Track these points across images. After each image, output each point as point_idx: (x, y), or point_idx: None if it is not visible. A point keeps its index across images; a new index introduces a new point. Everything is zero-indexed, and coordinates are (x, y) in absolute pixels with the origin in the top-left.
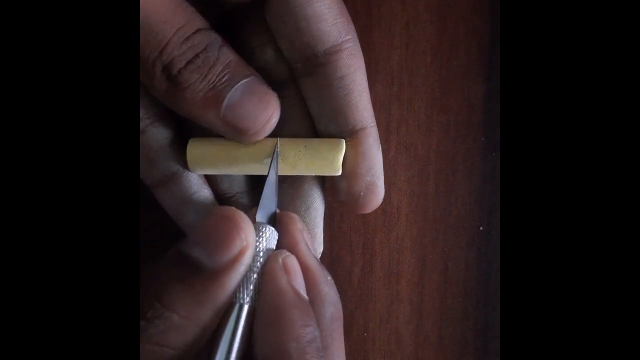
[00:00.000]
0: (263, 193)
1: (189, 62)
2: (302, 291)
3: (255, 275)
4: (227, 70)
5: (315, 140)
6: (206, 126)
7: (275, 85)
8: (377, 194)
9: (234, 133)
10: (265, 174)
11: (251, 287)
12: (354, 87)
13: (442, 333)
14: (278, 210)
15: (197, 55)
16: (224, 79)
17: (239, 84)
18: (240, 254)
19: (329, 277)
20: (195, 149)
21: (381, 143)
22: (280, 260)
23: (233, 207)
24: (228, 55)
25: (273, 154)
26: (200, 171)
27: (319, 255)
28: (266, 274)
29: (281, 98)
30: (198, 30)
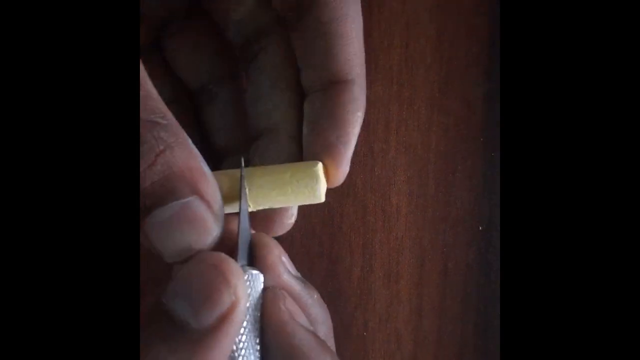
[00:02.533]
0: (239, 232)
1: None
2: (306, 323)
3: (249, 326)
4: (162, 181)
5: (286, 166)
6: None
7: (256, 35)
8: (338, 162)
9: (153, 250)
10: (236, 210)
11: (252, 343)
12: (338, 33)
13: (441, 333)
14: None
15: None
16: (154, 191)
17: (172, 204)
18: (230, 311)
19: (315, 295)
20: None
21: (381, 143)
22: (283, 307)
23: (218, 253)
24: (171, 161)
25: (240, 188)
26: None
27: (292, 224)
28: (275, 325)
29: (260, 49)
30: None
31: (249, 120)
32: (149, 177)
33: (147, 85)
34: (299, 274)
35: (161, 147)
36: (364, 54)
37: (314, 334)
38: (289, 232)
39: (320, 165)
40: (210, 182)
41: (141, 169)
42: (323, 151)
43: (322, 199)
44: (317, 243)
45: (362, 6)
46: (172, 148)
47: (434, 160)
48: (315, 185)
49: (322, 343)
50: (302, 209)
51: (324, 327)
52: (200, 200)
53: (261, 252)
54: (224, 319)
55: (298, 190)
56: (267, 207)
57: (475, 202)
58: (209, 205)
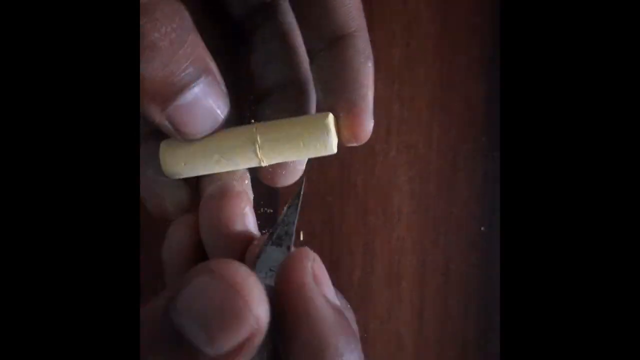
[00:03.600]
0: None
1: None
2: (334, 298)
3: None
4: (189, 64)
5: (297, 120)
6: (143, 116)
7: (254, 8)
8: (358, 117)
9: (172, 132)
10: (252, 165)
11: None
12: None
13: (442, 334)
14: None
15: (166, 33)
16: (182, 74)
17: (197, 83)
18: (249, 340)
19: (338, 294)
20: (169, 151)
21: (382, 143)
22: (309, 267)
23: (239, 266)
24: (195, 44)
25: (298, 194)
26: (178, 175)
27: (302, 169)
28: (294, 284)
29: (267, 17)
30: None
31: (257, 80)
32: (180, 62)
33: None
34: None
35: (191, 28)
36: (361, 4)
37: (338, 309)
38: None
39: (331, 116)
40: (214, 62)
41: (170, 55)
42: (344, 111)
43: (334, 150)
44: (317, 243)
45: (363, 5)
46: (191, 32)
47: (435, 160)
48: (327, 137)
49: (344, 322)
50: (303, 209)
51: (353, 325)
52: (213, 79)
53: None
54: (243, 347)
55: (310, 143)
56: (279, 161)
57: (476, 202)
58: (219, 83)
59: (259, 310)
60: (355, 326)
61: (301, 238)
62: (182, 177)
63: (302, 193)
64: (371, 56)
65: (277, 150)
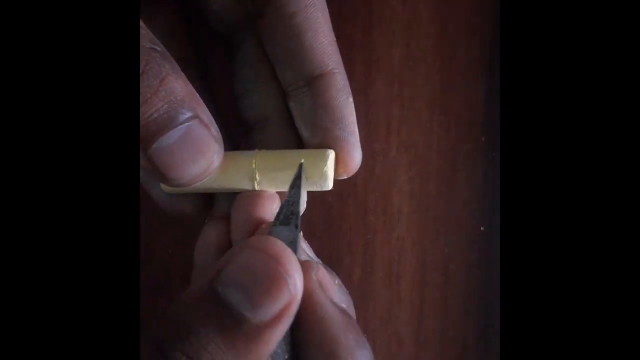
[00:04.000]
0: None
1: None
2: (340, 300)
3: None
4: (168, 106)
5: (297, 154)
6: None
7: (236, 25)
8: (350, 153)
9: (157, 177)
10: (247, 188)
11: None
12: (307, 26)
13: (442, 334)
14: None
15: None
16: (160, 117)
17: (177, 128)
18: (288, 306)
19: (337, 280)
20: None
21: (382, 143)
22: (314, 276)
23: (276, 241)
24: (173, 87)
25: (298, 174)
26: (179, 192)
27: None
28: (306, 299)
29: (241, 41)
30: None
31: (240, 111)
32: (154, 103)
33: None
34: (318, 260)
35: (164, 74)
36: (334, 39)
37: (344, 311)
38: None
39: (332, 152)
40: (205, 107)
41: (145, 96)
42: (335, 148)
43: (331, 186)
44: (317, 243)
45: (363, 5)
46: (172, 74)
47: (435, 160)
48: (328, 173)
49: (351, 322)
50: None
51: (349, 312)
52: (200, 122)
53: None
54: (282, 314)
55: (309, 179)
56: (273, 189)
57: (476, 202)
58: (208, 127)
59: (296, 277)
60: (353, 310)
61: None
62: (177, 192)
63: (302, 173)
64: (350, 91)
65: (274, 183)
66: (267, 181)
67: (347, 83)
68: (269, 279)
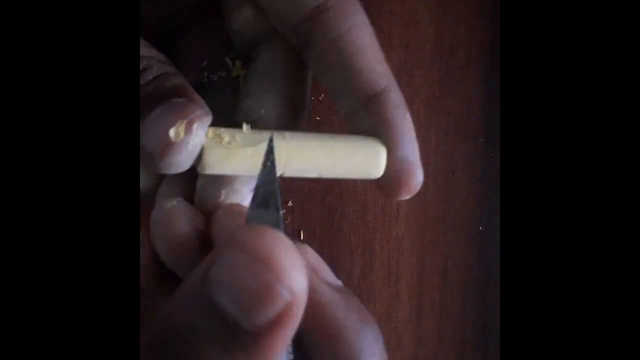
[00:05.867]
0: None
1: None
2: (334, 280)
3: None
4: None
5: (347, 138)
6: None
7: (254, 42)
8: (413, 173)
9: (146, 160)
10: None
11: None
12: (353, 48)
13: (441, 333)
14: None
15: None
16: (151, 94)
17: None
18: (287, 310)
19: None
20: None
21: None
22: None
23: (265, 234)
24: (173, 79)
25: (268, 152)
26: (216, 171)
27: None
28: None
29: (256, 55)
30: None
31: (237, 114)
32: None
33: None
34: None
35: (157, 73)
36: (383, 56)
37: (342, 290)
38: (289, 232)
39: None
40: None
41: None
42: (398, 169)
43: (381, 173)
44: (317, 243)
45: (362, 8)
46: (171, 74)
47: (434, 160)
48: (381, 162)
49: (352, 300)
50: (302, 209)
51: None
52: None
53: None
54: (281, 319)
55: (359, 162)
56: (314, 175)
57: (475, 202)
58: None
59: (292, 281)
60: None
61: (301, 237)
62: (220, 172)
63: (273, 150)
64: (406, 108)
65: (316, 164)
66: (299, 166)
67: (402, 100)
68: (257, 285)
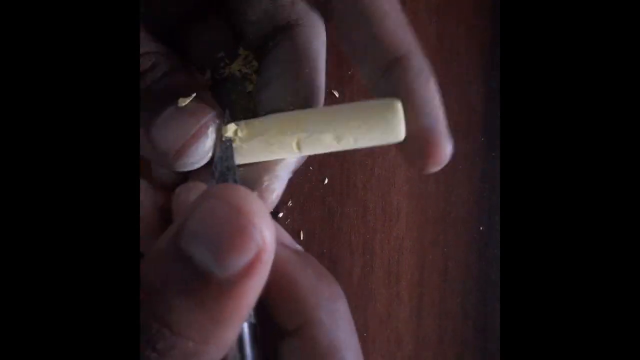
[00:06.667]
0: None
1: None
2: (293, 244)
3: None
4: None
5: (362, 105)
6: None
7: (272, 33)
8: (438, 143)
9: (158, 158)
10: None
11: None
12: (371, 12)
13: (441, 333)
14: None
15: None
16: (162, 92)
17: (173, 106)
18: (257, 258)
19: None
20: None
21: None
22: None
23: (239, 187)
24: (178, 77)
25: (220, 125)
26: (248, 159)
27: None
28: None
29: (274, 45)
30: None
31: (256, 106)
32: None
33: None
34: None
35: (166, 69)
36: (406, 22)
37: (298, 252)
38: (289, 232)
39: (399, 102)
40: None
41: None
42: (421, 139)
43: (403, 136)
44: (317, 243)
45: None
46: (180, 70)
47: None
48: (399, 123)
49: (310, 259)
50: (303, 209)
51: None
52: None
53: None
54: (252, 267)
55: (374, 124)
56: (332, 148)
57: (475, 202)
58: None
59: (263, 227)
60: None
61: (301, 237)
62: (252, 160)
63: (222, 126)
64: (430, 74)
65: (335, 136)
66: (335, 139)
67: (425, 66)
68: (232, 230)
